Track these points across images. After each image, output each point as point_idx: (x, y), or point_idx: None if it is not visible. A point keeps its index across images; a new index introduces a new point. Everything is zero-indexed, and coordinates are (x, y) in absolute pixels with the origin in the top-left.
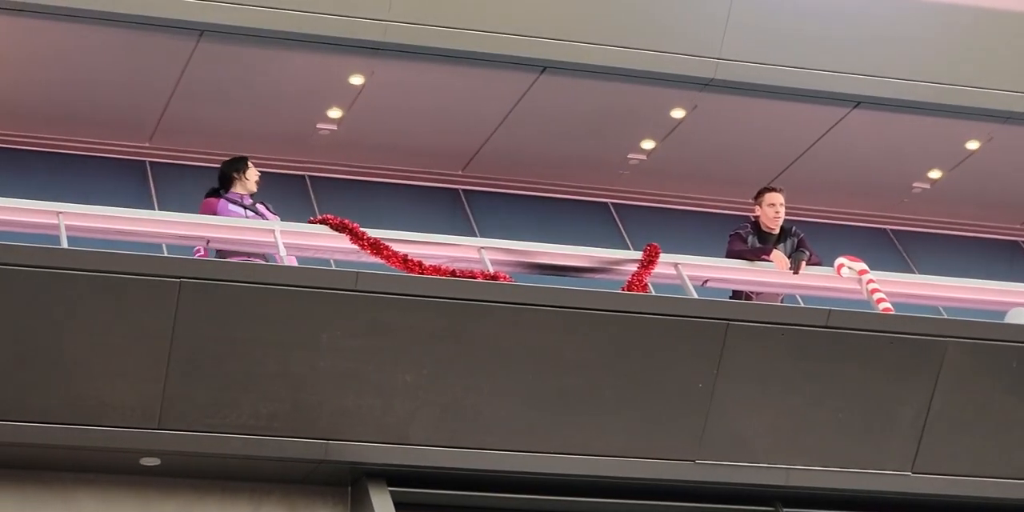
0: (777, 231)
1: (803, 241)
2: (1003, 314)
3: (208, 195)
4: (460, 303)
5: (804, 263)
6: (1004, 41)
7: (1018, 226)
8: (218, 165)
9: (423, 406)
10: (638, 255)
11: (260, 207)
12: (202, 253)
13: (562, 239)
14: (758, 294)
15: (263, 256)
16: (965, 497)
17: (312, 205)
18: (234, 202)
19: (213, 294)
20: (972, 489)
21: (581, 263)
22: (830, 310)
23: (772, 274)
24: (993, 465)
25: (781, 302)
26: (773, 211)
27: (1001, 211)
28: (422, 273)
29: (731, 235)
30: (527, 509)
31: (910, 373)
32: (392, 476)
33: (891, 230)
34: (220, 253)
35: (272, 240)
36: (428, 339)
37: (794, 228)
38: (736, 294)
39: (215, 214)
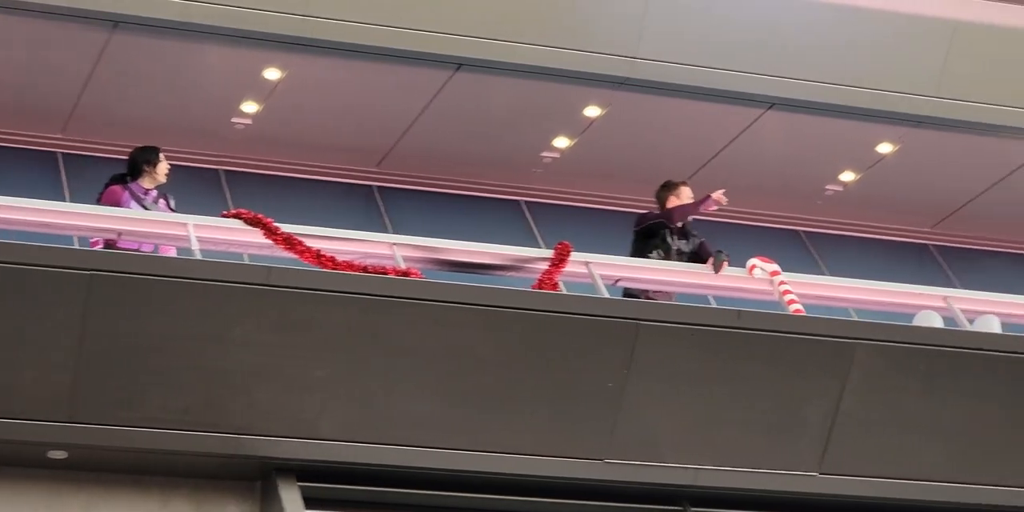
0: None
1: (704, 244)
2: (912, 317)
3: (113, 181)
4: (372, 299)
5: (726, 264)
6: (917, 46)
7: (928, 229)
8: None
9: (334, 401)
10: (549, 253)
11: (161, 203)
12: (101, 244)
13: (475, 236)
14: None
15: (153, 247)
16: (872, 498)
17: (226, 199)
18: (137, 198)
19: (124, 287)
20: (879, 490)
21: (493, 260)
22: (740, 311)
23: (684, 274)
24: (900, 466)
25: (673, 299)
26: None
27: (912, 214)
28: (335, 269)
29: (640, 217)
30: (436, 505)
31: (819, 374)
32: (302, 471)
33: (803, 232)
34: (107, 244)
35: (185, 234)
36: (340, 334)
37: (693, 229)
38: (629, 291)
39: (119, 205)
